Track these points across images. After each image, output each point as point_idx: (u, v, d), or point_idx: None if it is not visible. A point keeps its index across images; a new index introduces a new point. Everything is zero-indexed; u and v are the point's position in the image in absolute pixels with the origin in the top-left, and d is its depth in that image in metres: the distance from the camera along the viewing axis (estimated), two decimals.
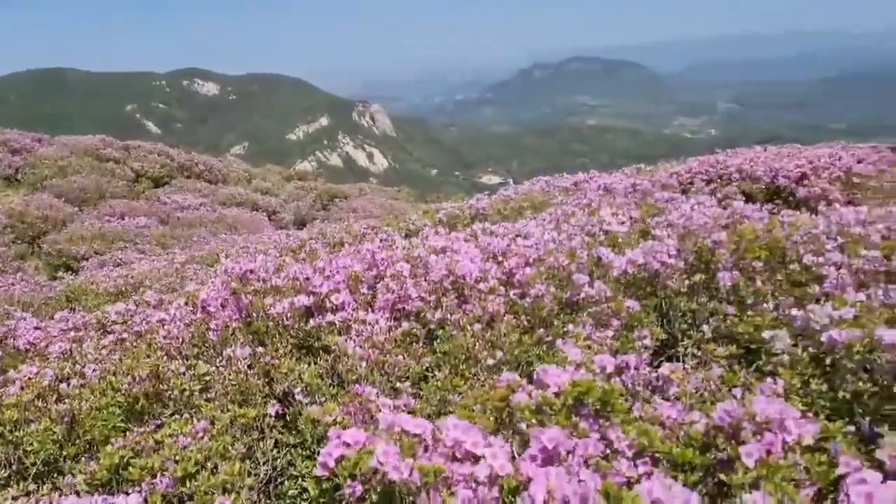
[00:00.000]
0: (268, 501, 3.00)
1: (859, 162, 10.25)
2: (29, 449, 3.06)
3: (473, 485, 1.86)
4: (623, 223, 5.99)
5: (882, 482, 1.74)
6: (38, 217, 20.65)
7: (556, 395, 2.25)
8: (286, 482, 3.06)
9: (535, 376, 2.48)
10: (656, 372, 3.06)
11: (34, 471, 3.03)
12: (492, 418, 2.52)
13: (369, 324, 3.42)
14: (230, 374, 3.18)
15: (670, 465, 2.21)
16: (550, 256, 4.20)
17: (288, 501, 3.02)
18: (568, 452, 1.91)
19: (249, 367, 3.21)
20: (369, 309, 3.80)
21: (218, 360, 3.50)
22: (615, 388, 2.20)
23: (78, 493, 2.44)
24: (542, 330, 3.51)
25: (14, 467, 3.06)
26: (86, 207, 23.54)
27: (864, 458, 2.23)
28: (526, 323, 3.62)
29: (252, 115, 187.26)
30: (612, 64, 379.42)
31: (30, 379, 3.43)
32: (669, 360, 3.96)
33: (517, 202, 10.07)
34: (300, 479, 3.04)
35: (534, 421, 2.29)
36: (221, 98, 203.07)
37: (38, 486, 2.71)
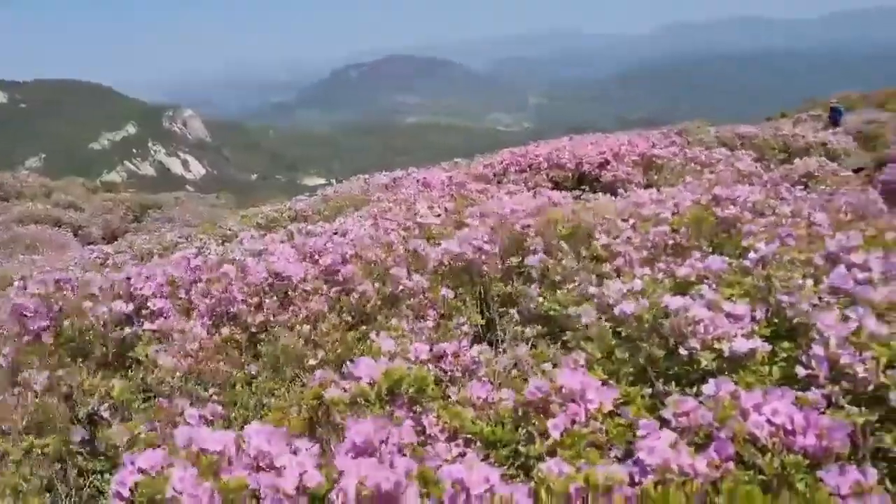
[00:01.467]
0: None
1: (654, 147, 11.15)
2: None
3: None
4: (439, 215, 6.15)
5: (666, 437, 1.90)
6: None
7: (371, 385, 2.27)
8: None
9: (346, 370, 2.48)
10: (473, 357, 3.16)
11: None
12: (305, 418, 2.50)
13: (182, 330, 3.27)
14: (26, 403, 2.92)
15: (483, 443, 2.29)
16: (368, 252, 4.22)
17: None
18: (381, 442, 1.92)
19: (48, 390, 2.97)
20: (189, 316, 3.64)
21: (14, 389, 3.20)
22: (427, 374, 2.25)
23: None
24: (364, 326, 3.52)
25: None
26: None
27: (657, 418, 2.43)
28: (350, 319, 3.62)
29: (48, 125, 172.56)
30: (428, 62, 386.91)
31: None
32: (491, 344, 4.10)
33: (337, 201, 10.03)
34: None
35: (349, 414, 2.29)
36: (10, 107, 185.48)
37: None
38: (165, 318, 3.67)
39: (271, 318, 3.68)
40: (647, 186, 8.70)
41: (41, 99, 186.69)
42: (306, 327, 3.53)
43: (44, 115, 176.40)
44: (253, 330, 3.74)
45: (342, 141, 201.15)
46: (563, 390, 2.27)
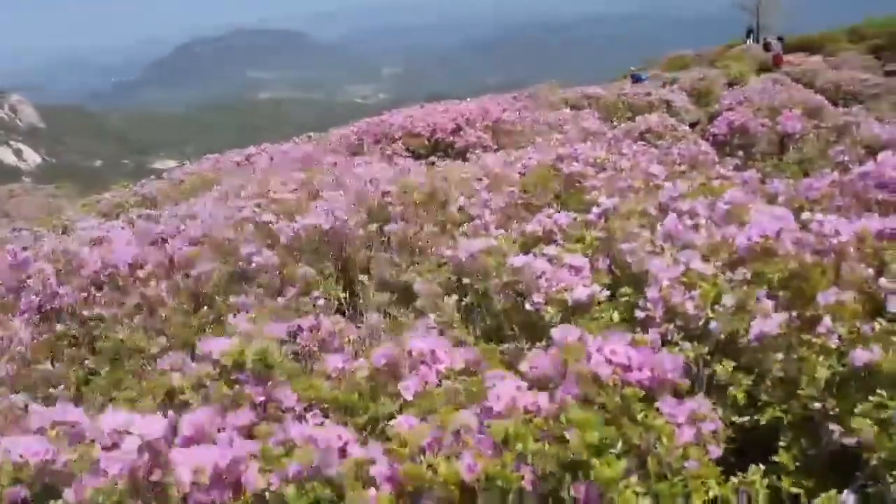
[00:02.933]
0: None
1: (504, 111, 11.39)
2: None
3: (124, 457, 1.76)
4: (295, 190, 6.01)
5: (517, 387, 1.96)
6: None
7: (215, 365, 2.20)
8: None
9: (196, 353, 2.40)
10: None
11: None
12: (159, 405, 2.40)
13: (6, 333, 3.03)
14: None
15: (341, 412, 2.28)
16: (216, 232, 4.07)
17: None
18: (220, 428, 1.88)
19: None
20: (11, 314, 3.37)
21: None
22: (272, 346, 2.20)
23: None
24: (206, 308, 3.39)
25: None
26: None
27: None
28: (192, 304, 3.48)
29: None
30: (279, 35, 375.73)
31: None
32: (354, 316, 4.07)
33: (188, 183, 9.61)
34: None
35: (197, 397, 2.22)
36: None
37: None
38: None
39: (104, 311, 3.47)
40: (500, 150, 8.90)
41: None
42: (139, 317, 3.36)
43: None
44: (91, 324, 3.52)
45: (194, 121, 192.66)
46: (413, 353, 2.30)
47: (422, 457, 1.71)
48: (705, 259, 2.58)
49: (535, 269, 2.76)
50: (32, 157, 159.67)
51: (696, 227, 2.90)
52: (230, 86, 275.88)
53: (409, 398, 2.17)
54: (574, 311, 2.66)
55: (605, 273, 3.00)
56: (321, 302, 3.99)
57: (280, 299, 3.76)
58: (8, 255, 4.14)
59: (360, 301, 4.35)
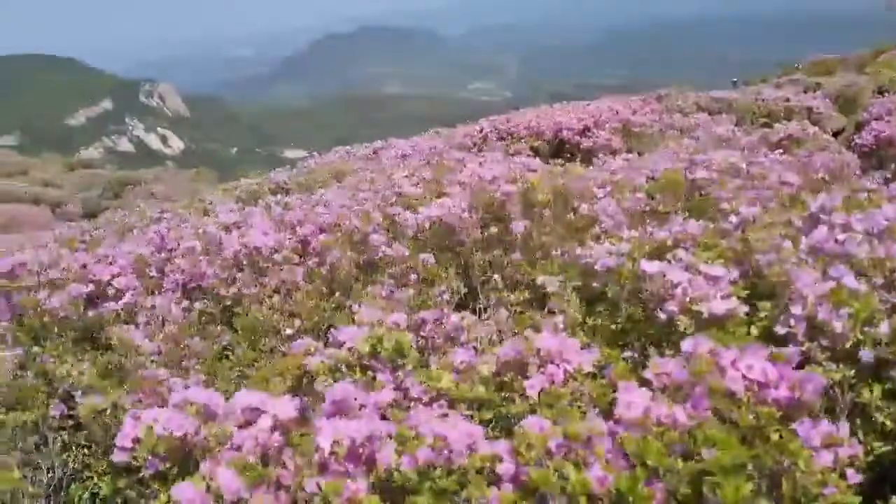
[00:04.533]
0: None
1: (634, 114, 11.14)
2: None
3: (257, 434, 1.85)
4: (418, 184, 6.11)
5: (648, 396, 1.92)
6: None
7: (351, 352, 2.27)
8: (78, 485, 2.87)
9: (331, 338, 2.49)
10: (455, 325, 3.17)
11: None
12: (290, 387, 2.51)
13: (158, 308, 3.25)
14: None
15: (465, 407, 2.31)
16: (346, 220, 4.20)
17: None
18: (361, 405, 1.94)
19: (21, 367, 2.94)
20: (157, 292, 3.60)
21: None
22: (406, 337, 2.25)
23: None
24: (339, 294, 3.51)
25: None
26: None
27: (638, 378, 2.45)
28: (325, 289, 3.61)
29: (21, 101, 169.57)
30: (405, 32, 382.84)
31: None
32: (474, 311, 4.11)
33: (318, 173, 9.95)
34: (95, 479, 2.86)
35: (331, 381, 2.29)
36: None
37: None
38: (131, 296, 3.62)
39: (243, 291, 3.66)
40: (627, 153, 8.70)
41: (12, 74, 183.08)
42: (276, 298, 3.51)
43: (15, 91, 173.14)
44: (227, 303, 3.71)
45: (320, 113, 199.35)
46: (541, 352, 2.29)
47: (549, 460, 1.71)
48: (860, 276, 2.43)
49: (669, 276, 2.68)
50: (176, 144, 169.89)
51: (849, 242, 2.73)
52: (356, 81, 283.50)
53: (534, 395, 2.17)
54: (709, 323, 2.57)
55: (742, 285, 2.88)
56: (445, 296, 4.05)
57: (404, 291, 3.84)
58: (155, 235, 4.42)
59: (481, 297, 4.38)
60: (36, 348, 3.21)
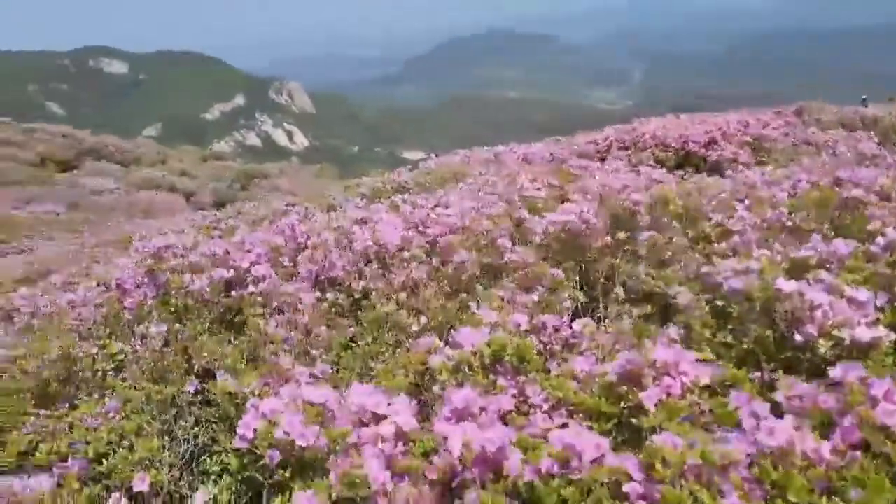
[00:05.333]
0: (191, 479, 2.94)
1: (765, 127, 10.67)
2: None
3: (380, 443, 1.88)
4: (540, 189, 6.09)
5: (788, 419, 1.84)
6: None
7: (473, 354, 2.29)
8: (209, 458, 3.02)
9: (452, 338, 2.51)
10: (573, 332, 3.14)
11: None
12: (411, 382, 2.54)
13: (291, 297, 3.38)
14: (145, 353, 3.10)
15: (585, 415, 2.28)
16: (473, 223, 4.24)
17: (212, 478, 2.98)
18: (481, 409, 1.94)
19: (166, 343, 3.14)
20: (291, 281, 3.76)
21: (132, 340, 3.41)
22: (530, 343, 2.24)
23: None
24: (464, 295, 3.54)
25: None
26: None
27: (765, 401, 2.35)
28: (449, 289, 3.65)
29: (164, 95, 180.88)
30: (528, 37, 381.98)
31: None
32: (594, 320, 4.05)
33: (438, 174, 10.08)
34: (224, 454, 3.00)
35: (451, 381, 2.32)
36: (131, 77, 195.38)
37: None
38: (267, 284, 3.78)
39: (371, 285, 3.76)
40: (757, 167, 8.35)
41: (159, 70, 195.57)
42: (402, 294, 3.58)
43: (161, 85, 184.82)
44: (355, 296, 3.82)
45: (441, 115, 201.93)
46: (657, 363, 2.24)
47: (683, 481, 1.66)
48: None
49: (809, 297, 2.54)
50: (301, 140, 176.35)
51: None
52: (478, 84, 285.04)
53: (650, 408, 2.12)
54: (850, 351, 2.43)
55: (889, 312, 2.70)
56: (567, 303, 4.01)
57: (527, 294, 3.83)
58: (287, 227, 4.61)
59: (601, 306, 4.32)
60: (177, 326, 3.41)
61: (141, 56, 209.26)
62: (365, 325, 3.42)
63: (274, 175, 31.60)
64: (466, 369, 2.26)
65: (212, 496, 2.64)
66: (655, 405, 2.11)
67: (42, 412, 2.84)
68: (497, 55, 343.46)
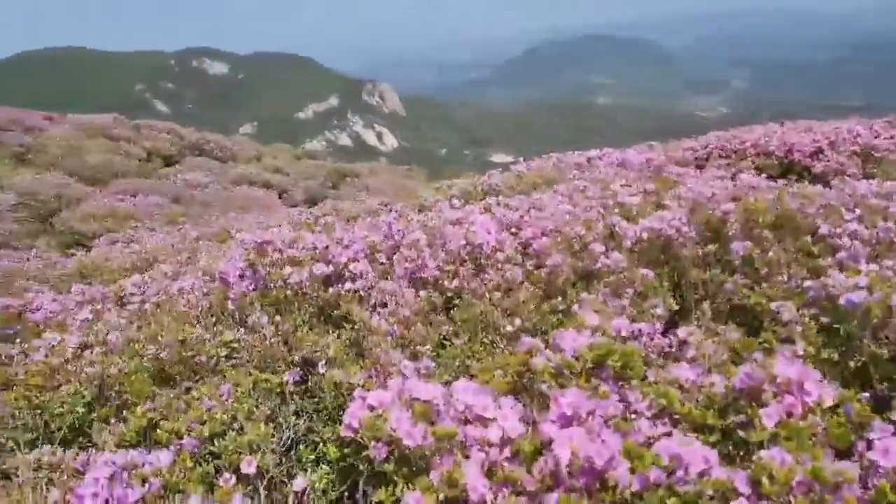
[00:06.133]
0: (288, 465, 3.04)
1: (876, 137, 10.18)
2: (56, 412, 3.13)
3: (486, 447, 1.89)
4: (635, 196, 6.00)
5: None
6: (52, 196, 20.77)
7: (576, 358, 2.28)
8: (305, 448, 3.11)
9: (552, 340, 2.51)
10: (669, 340, 3.10)
11: (60, 435, 3.10)
12: (510, 382, 2.55)
13: (390, 293, 3.46)
14: (253, 342, 3.23)
15: (689, 426, 2.23)
16: (567, 227, 4.23)
17: (308, 466, 3.07)
18: (588, 414, 1.93)
19: (271, 334, 3.26)
20: (387, 278, 3.84)
21: (238, 329, 3.55)
22: (635, 349, 2.22)
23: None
24: (559, 298, 3.54)
25: (41, 431, 3.13)
26: (98, 186, 23.64)
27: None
28: (542, 292, 3.65)
29: (261, 95, 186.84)
30: (624, 41, 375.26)
31: (53, 346, 3.50)
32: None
33: (529, 178, 10.05)
34: (320, 445, 3.08)
35: (553, 384, 2.32)
36: (231, 77, 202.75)
37: (65, 449, 2.76)
38: (367, 279, 3.87)
39: (465, 285, 3.79)
40: (866, 177, 7.98)
41: (257, 70, 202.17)
42: (496, 295, 3.60)
43: (259, 85, 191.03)
44: (448, 295, 3.87)
45: (531, 119, 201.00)
46: (778, 380, 2.17)
47: (791, 497, 1.62)
48: None
49: None
50: (391, 141, 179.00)
51: None
52: (569, 88, 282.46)
53: (769, 426, 2.06)
54: None
55: None
56: (659, 310, 3.95)
57: (619, 300, 3.79)
58: (384, 225, 4.70)
59: (693, 318, 4.22)
60: (278, 318, 3.53)
61: (240, 57, 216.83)
62: (459, 323, 3.46)
63: (364, 175, 32.18)
64: (568, 373, 2.25)
65: (309, 483, 2.72)
66: (775, 424, 2.06)
67: (159, 392, 3.00)
68: (590, 59, 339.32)
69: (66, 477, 1.98)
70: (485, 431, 1.83)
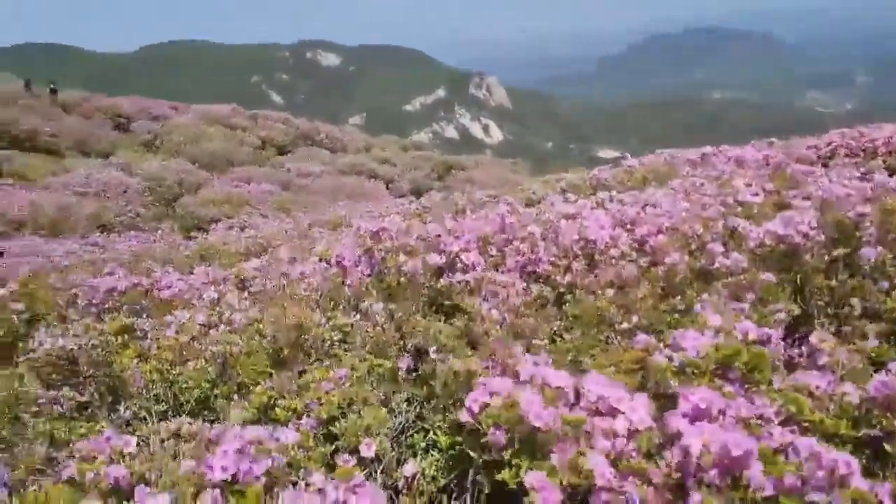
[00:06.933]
0: (399, 451, 3.10)
1: None
2: (184, 386, 3.31)
3: (612, 437, 1.87)
4: (756, 195, 5.76)
5: None
6: (175, 181, 21.94)
7: (700, 357, 2.22)
8: (415, 434, 3.15)
9: (672, 340, 2.46)
10: (792, 348, 2.98)
11: (188, 407, 3.27)
12: (626, 379, 2.51)
13: (502, 285, 3.46)
14: (368, 328, 3.31)
15: (819, 435, 2.14)
16: (685, 225, 4.11)
17: (419, 453, 3.11)
18: (720, 412, 1.88)
19: (385, 321, 3.33)
20: (498, 270, 3.84)
21: (352, 314, 3.64)
22: (766, 354, 2.14)
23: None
24: (677, 297, 3.45)
25: (171, 403, 3.32)
26: (216, 173, 24.78)
27: None
28: (659, 290, 3.57)
29: (371, 86, 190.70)
30: (735, 34, 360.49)
31: (183, 324, 3.70)
32: (803, 337, 3.81)
33: (640, 173, 9.82)
34: (429, 432, 3.12)
35: (675, 382, 2.26)
36: (342, 69, 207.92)
37: (193, 421, 2.91)
38: (479, 270, 3.88)
39: (578, 280, 3.75)
40: None
41: (367, 63, 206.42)
42: (610, 291, 3.54)
43: (368, 77, 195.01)
44: (561, 290, 3.83)
45: (637, 115, 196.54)
46: None
47: None
48: None
49: None
50: (496, 134, 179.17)
51: None
52: (677, 83, 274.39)
53: None
54: None
55: None
56: (781, 315, 3.79)
57: (741, 303, 3.65)
58: (496, 218, 4.70)
59: (816, 324, 4.03)
60: (392, 305, 3.60)
61: (352, 49, 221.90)
62: (571, 318, 3.43)
63: (469, 167, 32.33)
64: (691, 372, 2.20)
65: (419, 469, 2.76)
66: None
67: (276, 372, 3.12)
68: (700, 53, 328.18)
69: (199, 447, 2.08)
70: (612, 422, 1.81)
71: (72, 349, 3.56)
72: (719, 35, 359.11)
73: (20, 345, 3.99)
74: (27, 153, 23.34)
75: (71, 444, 2.92)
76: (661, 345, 2.58)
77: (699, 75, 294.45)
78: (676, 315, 3.35)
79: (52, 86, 31.43)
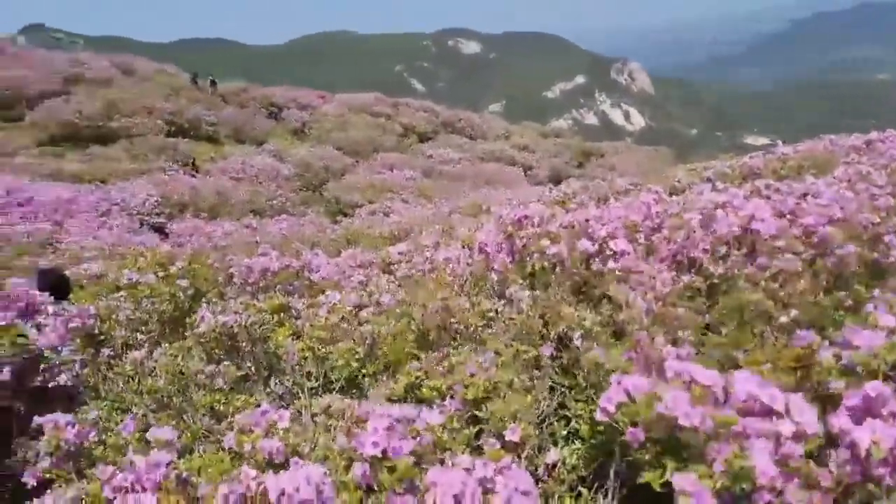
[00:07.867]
0: (541, 437, 3.08)
1: None
2: (335, 365, 3.45)
3: (773, 439, 1.77)
4: None
5: None
6: (322, 167, 22.88)
7: (874, 357, 2.06)
8: (556, 422, 3.13)
9: (842, 337, 2.29)
10: None
11: (338, 385, 3.41)
12: (784, 377, 2.37)
13: (649, 275, 3.36)
14: (510, 313, 3.31)
15: None
16: (854, 216, 3.83)
17: (560, 441, 3.09)
18: (892, 414, 1.74)
19: (529, 308, 3.31)
20: (647, 259, 3.73)
21: (496, 300, 3.65)
22: None
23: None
24: (844, 292, 3.22)
25: (321, 380, 3.47)
26: (360, 159, 25.62)
27: None
28: (824, 284, 3.35)
29: (511, 73, 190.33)
30: None
31: (335, 304, 3.85)
32: None
33: (795, 161, 9.26)
34: (571, 421, 3.09)
35: (841, 383, 2.12)
36: (482, 56, 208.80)
37: (342, 398, 3.02)
38: (628, 259, 3.77)
39: (735, 271, 3.57)
40: None
41: (507, 50, 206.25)
42: (773, 284, 3.35)
43: (508, 64, 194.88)
44: (715, 280, 3.67)
45: (790, 99, 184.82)
46: None
47: None
48: None
49: None
50: (637, 120, 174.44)
51: None
52: (840, 65, 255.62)
53: None
54: None
55: None
56: None
57: None
58: (643, 205, 4.56)
59: None
60: (536, 292, 3.58)
61: (492, 36, 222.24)
62: (724, 311, 3.27)
63: (609, 154, 31.68)
64: (860, 372, 2.05)
65: (561, 458, 2.74)
66: None
67: (421, 354, 3.19)
68: (868, 32, 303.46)
69: (350, 423, 2.16)
70: (773, 424, 1.71)
71: (232, 326, 3.79)
72: (888, 9, 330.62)
73: (186, 320, 4.28)
74: (192, 141, 25.06)
75: (229, 416, 3.12)
76: (826, 343, 2.42)
77: (869, 55, 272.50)
78: (841, 312, 3.12)
79: (211, 78, 33.61)
